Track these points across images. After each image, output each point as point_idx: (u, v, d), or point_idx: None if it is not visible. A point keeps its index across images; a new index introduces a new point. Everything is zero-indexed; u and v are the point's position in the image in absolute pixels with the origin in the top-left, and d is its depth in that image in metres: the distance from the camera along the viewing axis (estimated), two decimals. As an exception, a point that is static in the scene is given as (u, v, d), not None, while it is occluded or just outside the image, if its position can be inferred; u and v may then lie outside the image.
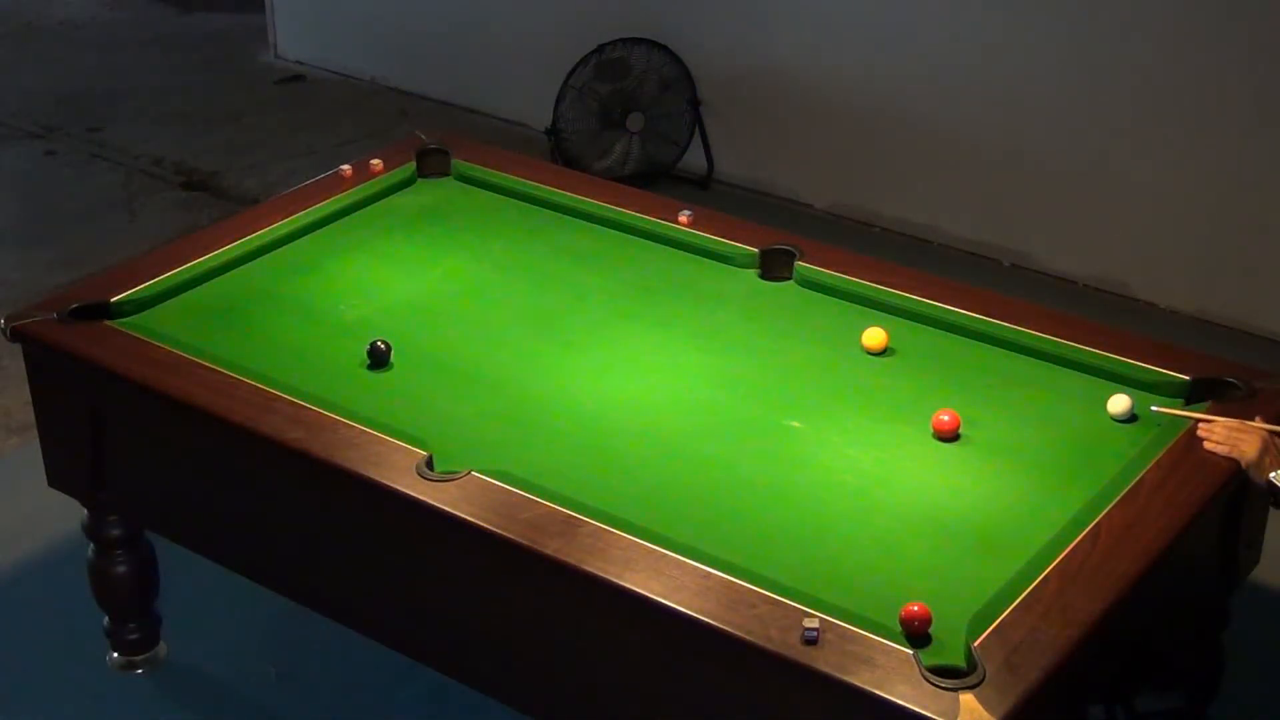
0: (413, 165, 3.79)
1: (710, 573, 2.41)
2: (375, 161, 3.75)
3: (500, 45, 6.27)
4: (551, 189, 3.69)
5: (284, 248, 3.47)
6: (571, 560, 2.45)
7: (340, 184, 3.67)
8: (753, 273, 3.38)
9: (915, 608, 2.30)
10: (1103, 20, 4.81)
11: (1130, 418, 2.86)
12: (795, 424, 2.89)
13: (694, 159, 5.80)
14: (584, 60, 5.55)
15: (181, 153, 6.14)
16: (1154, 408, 2.85)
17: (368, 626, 2.93)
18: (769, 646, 2.26)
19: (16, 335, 3.10)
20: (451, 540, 2.62)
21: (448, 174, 3.81)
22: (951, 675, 2.20)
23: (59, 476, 3.28)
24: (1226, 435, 2.70)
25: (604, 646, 2.54)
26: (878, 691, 2.18)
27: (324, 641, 3.41)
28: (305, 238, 3.51)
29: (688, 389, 3.00)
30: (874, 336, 3.08)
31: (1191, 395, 2.89)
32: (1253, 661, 3.31)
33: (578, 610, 2.53)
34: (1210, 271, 4.87)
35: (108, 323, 3.11)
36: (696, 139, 5.76)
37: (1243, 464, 2.66)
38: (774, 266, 3.37)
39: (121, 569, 3.32)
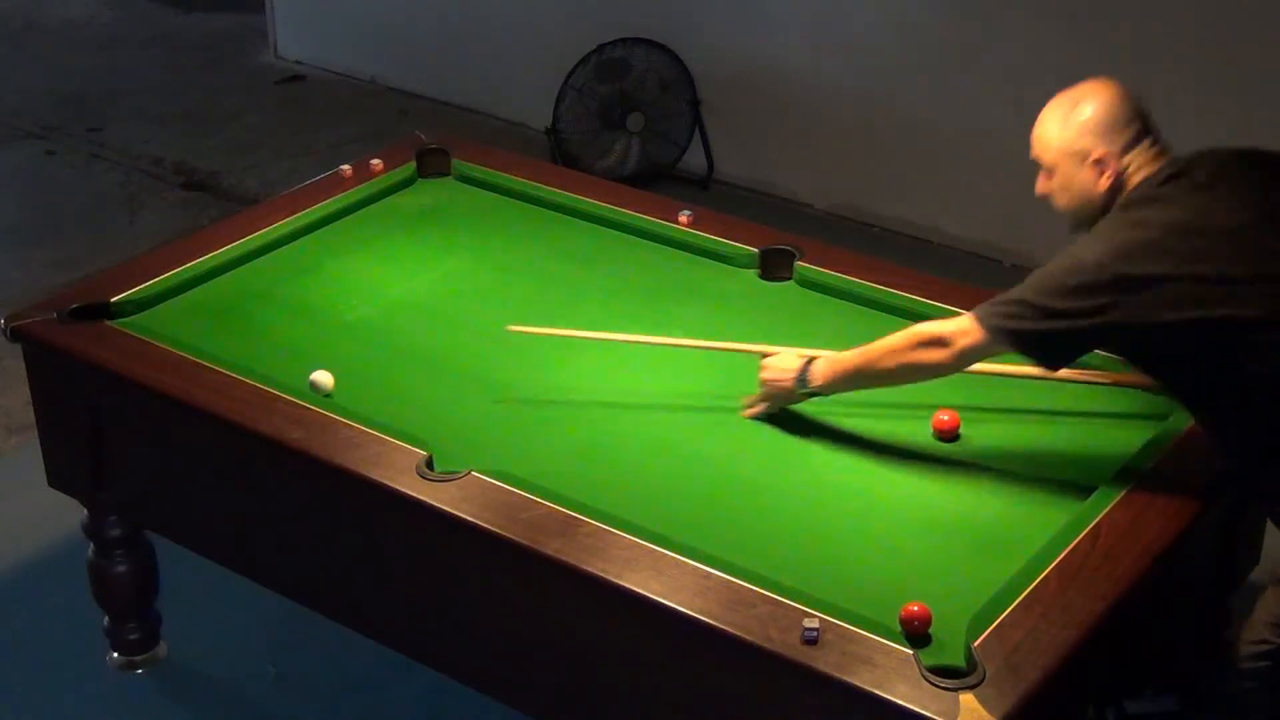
0: (413, 165, 3.79)
1: (710, 573, 2.41)
2: (375, 161, 3.75)
3: (500, 45, 6.26)
4: (551, 189, 3.69)
5: (284, 248, 3.46)
6: (571, 560, 2.45)
7: (340, 184, 3.67)
8: (753, 273, 3.38)
9: (915, 608, 2.30)
10: (1103, 23, 4.80)
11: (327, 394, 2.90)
12: (795, 424, 2.89)
13: (694, 159, 5.80)
14: (584, 60, 5.54)
15: (181, 153, 6.13)
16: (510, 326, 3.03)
17: (368, 626, 2.93)
18: (769, 646, 2.26)
19: (16, 335, 3.10)
20: (451, 540, 2.62)
21: (448, 174, 3.81)
22: (951, 675, 2.20)
23: (59, 476, 3.28)
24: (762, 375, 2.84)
25: (604, 646, 2.54)
26: (878, 691, 2.18)
27: (324, 641, 3.41)
28: (305, 238, 3.50)
29: (688, 389, 3.00)
30: None
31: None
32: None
33: (578, 610, 2.53)
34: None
35: (108, 323, 3.11)
36: (696, 139, 5.76)
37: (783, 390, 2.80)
38: (774, 266, 3.37)
39: (121, 569, 3.32)
